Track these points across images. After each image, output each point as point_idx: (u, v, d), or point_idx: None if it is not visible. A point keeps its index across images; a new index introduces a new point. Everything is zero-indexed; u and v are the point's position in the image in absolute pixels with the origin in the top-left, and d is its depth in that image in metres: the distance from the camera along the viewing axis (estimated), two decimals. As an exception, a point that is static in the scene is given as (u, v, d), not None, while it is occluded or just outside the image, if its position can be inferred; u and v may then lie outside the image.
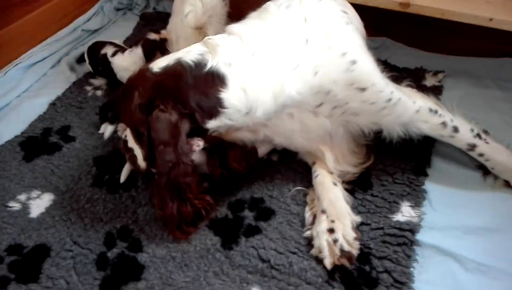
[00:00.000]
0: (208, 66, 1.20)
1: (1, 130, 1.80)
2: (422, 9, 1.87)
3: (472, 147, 1.44)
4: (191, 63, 1.20)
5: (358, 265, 1.28)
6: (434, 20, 2.01)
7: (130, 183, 1.54)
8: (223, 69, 1.21)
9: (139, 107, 1.19)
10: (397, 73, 1.76)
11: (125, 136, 1.34)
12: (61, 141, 1.72)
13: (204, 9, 1.74)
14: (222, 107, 1.22)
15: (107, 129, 1.66)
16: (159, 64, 1.23)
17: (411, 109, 1.40)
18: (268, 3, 1.39)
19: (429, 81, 1.98)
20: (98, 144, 1.70)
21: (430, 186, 1.49)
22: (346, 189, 1.46)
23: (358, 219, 1.38)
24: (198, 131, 1.26)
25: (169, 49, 1.90)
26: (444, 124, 1.42)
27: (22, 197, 1.52)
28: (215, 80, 1.20)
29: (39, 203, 1.50)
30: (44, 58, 2.15)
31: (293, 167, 1.59)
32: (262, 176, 1.53)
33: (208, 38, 1.28)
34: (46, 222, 1.43)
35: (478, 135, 1.44)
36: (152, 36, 1.91)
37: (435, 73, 2.02)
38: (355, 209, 1.42)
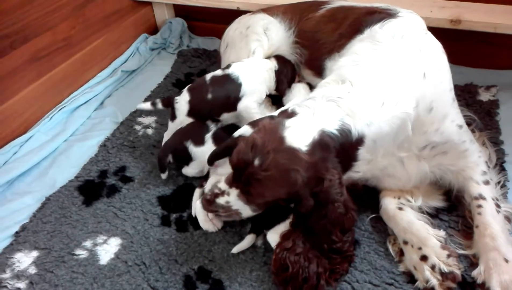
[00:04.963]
0: (353, 133, 1.20)
1: (53, 175, 1.74)
2: (474, 24, 1.85)
3: (480, 198, 1.35)
4: (336, 133, 1.18)
5: None
6: (476, 36, 2.00)
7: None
8: (364, 130, 1.22)
9: (303, 187, 1.15)
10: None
11: (227, 201, 1.26)
12: (119, 183, 1.66)
13: (270, 42, 1.74)
14: (355, 160, 1.25)
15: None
16: (301, 139, 1.16)
17: (477, 155, 1.43)
18: (375, 29, 1.39)
19: (484, 96, 1.95)
20: (158, 182, 1.64)
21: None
22: (428, 213, 1.41)
23: (442, 233, 1.31)
24: None
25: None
26: (485, 173, 1.41)
27: (88, 243, 1.44)
28: (358, 142, 1.22)
29: (107, 249, 1.42)
30: (87, 101, 2.12)
31: (367, 192, 1.52)
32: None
33: (338, 97, 1.23)
34: (118, 268, 1.35)
35: (497, 204, 1.36)
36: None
37: (488, 88, 1.99)
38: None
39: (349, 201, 1.22)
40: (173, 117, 1.69)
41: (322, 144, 1.16)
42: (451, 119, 1.34)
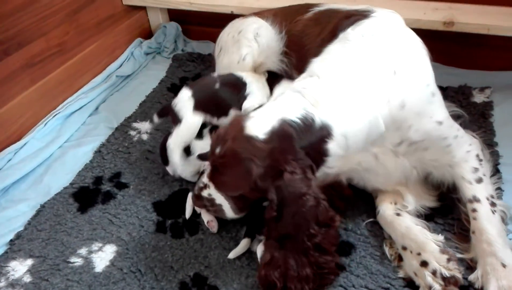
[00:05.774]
0: (317, 122, 1.18)
1: (48, 182, 1.74)
2: (467, 26, 1.85)
3: (474, 201, 1.33)
4: (298, 121, 1.17)
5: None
6: (470, 38, 2.00)
7: (195, 226, 1.47)
8: (329, 121, 1.20)
9: (261, 178, 1.14)
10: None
11: (209, 194, 1.32)
12: (114, 189, 1.65)
13: (260, 49, 1.75)
14: (326, 155, 1.22)
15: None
16: (260, 127, 1.16)
17: (465, 149, 1.40)
18: (348, 31, 1.38)
19: (478, 98, 1.95)
20: (153, 188, 1.63)
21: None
22: (424, 215, 1.41)
23: (440, 237, 1.30)
24: None
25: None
26: (476, 169, 1.38)
27: (83, 251, 1.43)
28: (323, 133, 1.19)
29: (102, 256, 1.41)
30: (82, 107, 2.12)
31: (362, 196, 1.52)
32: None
33: (303, 88, 1.23)
34: (113, 276, 1.34)
35: (492, 203, 1.34)
36: None
37: (482, 89, 1.99)
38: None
39: (318, 192, 1.18)
40: (176, 121, 1.61)
41: (282, 133, 1.15)
42: (429, 116, 1.30)
